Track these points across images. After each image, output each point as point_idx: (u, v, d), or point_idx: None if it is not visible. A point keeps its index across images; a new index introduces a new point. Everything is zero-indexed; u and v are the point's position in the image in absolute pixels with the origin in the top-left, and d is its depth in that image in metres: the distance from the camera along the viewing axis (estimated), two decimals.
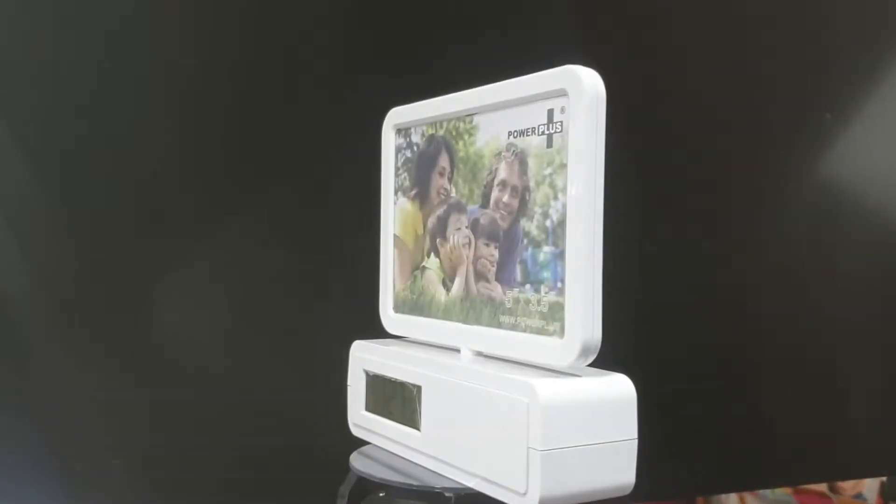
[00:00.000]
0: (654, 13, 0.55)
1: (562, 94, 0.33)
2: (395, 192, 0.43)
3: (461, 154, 0.38)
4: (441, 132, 0.40)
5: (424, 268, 0.41)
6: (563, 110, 0.33)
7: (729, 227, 0.56)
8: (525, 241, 0.35)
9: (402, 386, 0.40)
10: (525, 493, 0.32)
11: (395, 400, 0.40)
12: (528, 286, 0.35)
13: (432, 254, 0.41)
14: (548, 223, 0.34)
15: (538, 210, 0.34)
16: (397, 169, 0.43)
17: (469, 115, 0.38)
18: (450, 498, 0.38)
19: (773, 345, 0.58)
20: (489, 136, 0.37)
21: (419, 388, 0.38)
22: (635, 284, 0.57)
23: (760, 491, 0.70)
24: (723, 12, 0.55)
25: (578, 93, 0.32)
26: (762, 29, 0.56)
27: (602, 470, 0.33)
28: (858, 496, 0.72)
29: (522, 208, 0.35)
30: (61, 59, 0.51)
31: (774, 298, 0.57)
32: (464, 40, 0.54)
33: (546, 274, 0.34)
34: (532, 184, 0.34)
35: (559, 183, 0.33)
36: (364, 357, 0.43)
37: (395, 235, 0.43)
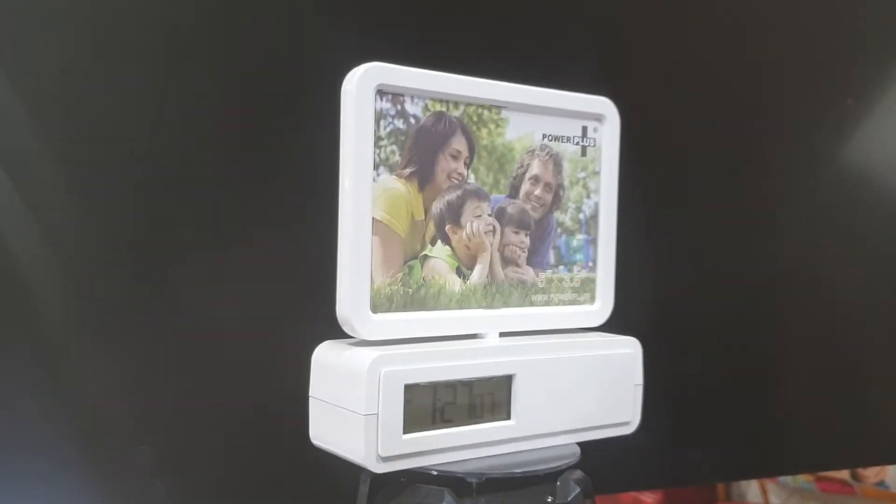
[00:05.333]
0: None
1: (598, 118, 0.44)
2: (376, 167, 0.37)
3: (484, 142, 0.40)
4: (457, 113, 0.39)
5: (427, 256, 0.38)
6: (595, 130, 0.44)
7: (751, 215, 0.55)
8: (559, 230, 0.43)
9: (467, 385, 0.38)
10: (630, 422, 0.43)
11: (455, 404, 0.37)
12: (561, 267, 0.43)
13: (439, 241, 0.39)
14: (581, 216, 0.44)
15: (572, 205, 0.43)
16: (379, 138, 0.37)
17: (497, 107, 0.40)
18: (471, 483, 0.41)
19: (795, 331, 0.57)
20: (521, 132, 0.41)
21: (510, 377, 0.38)
22: (661, 275, 0.55)
23: (781, 478, 0.68)
24: None
25: (612, 120, 0.44)
26: (783, 13, 0.54)
27: None
28: (881, 484, 0.69)
29: (556, 202, 0.42)
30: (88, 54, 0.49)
31: (797, 284, 0.56)
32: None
33: (579, 256, 0.44)
34: (567, 183, 0.43)
35: (592, 185, 0.44)
36: (402, 370, 0.35)
37: (374, 219, 0.37)
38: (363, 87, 0.35)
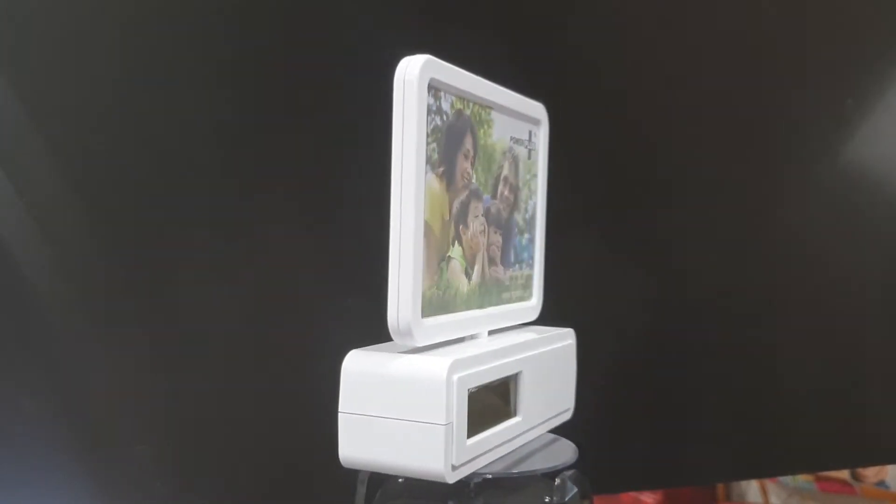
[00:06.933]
0: None
1: (536, 122, 0.46)
2: (426, 164, 0.35)
3: (482, 142, 0.40)
4: (468, 112, 0.39)
5: (450, 258, 0.38)
6: (535, 134, 0.47)
7: (748, 214, 0.54)
8: (516, 229, 0.45)
9: (496, 386, 0.38)
10: (570, 408, 0.46)
11: (489, 405, 0.38)
12: (517, 265, 0.45)
13: (456, 242, 0.39)
14: (527, 216, 0.46)
15: (522, 205, 0.46)
16: (427, 135, 0.35)
17: (489, 107, 0.41)
18: (468, 483, 0.42)
19: (794, 331, 0.55)
20: (500, 133, 0.42)
21: (518, 374, 0.40)
22: (657, 275, 0.53)
23: (781, 478, 0.66)
24: None
25: (545, 124, 0.47)
26: (781, 12, 0.52)
27: None
28: (881, 483, 0.68)
29: (516, 203, 0.45)
30: (86, 56, 0.50)
31: (797, 284, 0.54)
32: None
33: (525, 254, 0.46)
34: (520, 184, 0.45)
35: (533, 187, 0.47)
36: (466, 375, 0.35)
37: (425, 221, 0.35)
38: (419, 80, 0.33)
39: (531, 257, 0.45)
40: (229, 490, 0.52)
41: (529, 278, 0.45)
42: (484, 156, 0.39)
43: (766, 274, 0.58)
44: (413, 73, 0.33)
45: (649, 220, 0.56)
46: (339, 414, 0.35)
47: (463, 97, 0.37)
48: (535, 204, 0.45)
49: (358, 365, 0.34)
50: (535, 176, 0.45)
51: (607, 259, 0.47)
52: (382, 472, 0.34)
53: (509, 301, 0.43)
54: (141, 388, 0.51)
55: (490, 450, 0.37)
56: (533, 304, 0.46)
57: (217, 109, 0.51)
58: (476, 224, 0.39)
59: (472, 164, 0.38)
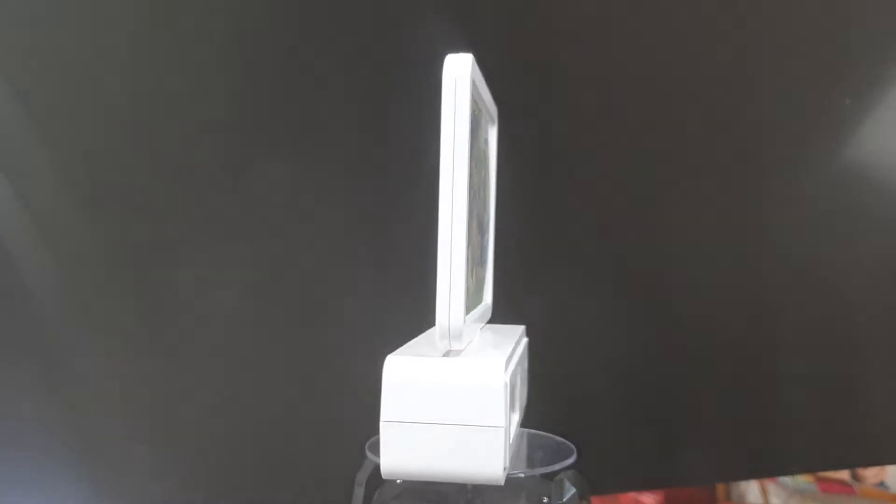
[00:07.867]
0: None
1: (494, 123, 0.47)
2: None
3: (477, 143, 0.41)
4: (476, 112, 0.39)
5: (467, 258, 0.38)
6: (491, 135, 0.48)
7: (746, 215, 0.54)
8: (483, 229, 0.46)
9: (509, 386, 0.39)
10: (525, 402, 0.48)
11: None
12: (483, 265, 0.46)
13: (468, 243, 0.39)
14: (487, 216, 0.47)
15: (487, 206, 0.46)
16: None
17: (481, 109, 0.41)
18: (466, 484, 0.43)
19: (794, 330, 0.56)
20: (483, 136, 0.43)
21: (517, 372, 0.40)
22: (657, 278, 0.53)
23: (781, 478, 0.67)
24: None
25: (496, 125, 0.48)
26: (779, 13, 0.53)
27: None
28: (881, 484, 0.69)
29: (485, 204, 0.45)
30: (85, 52, 0.49)
31: (795, 284, 0.55)
32: None
33: (486, 255, 0.47)
34: (487, 184, 0.46)
35: (490, 187, 0.48)
36: (509, 375, 0.35)
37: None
38: (470, 79, 0.33)
39: (488, 256, 0.46)
40: (228, 491, 0.52)
41: (485, 278, 0.46)
42: (477, 156, 0.40)
43: (765, 273, 0.57)
44: (465, 72, 0.33)
45: (648, 218, 0.56)
46: (382, 423, 0.33)
47: (475, 98, 0.37)
48: (490, 205, 0.46)
49: (401, 372, 0.33)
50: (490, 177, 0.46)
51: (606, 258, 0.48)
52: (429, 479, 0.34)
53: (480, 302, 0.43)
54: (141, 388, 0.51)
55: (511, 446, 0.37)
56: (489, 302, 0.46)
57: (234, 111, 0.51)
58: (474, 224, 0.39)
59: (475, 165, 0.38)
